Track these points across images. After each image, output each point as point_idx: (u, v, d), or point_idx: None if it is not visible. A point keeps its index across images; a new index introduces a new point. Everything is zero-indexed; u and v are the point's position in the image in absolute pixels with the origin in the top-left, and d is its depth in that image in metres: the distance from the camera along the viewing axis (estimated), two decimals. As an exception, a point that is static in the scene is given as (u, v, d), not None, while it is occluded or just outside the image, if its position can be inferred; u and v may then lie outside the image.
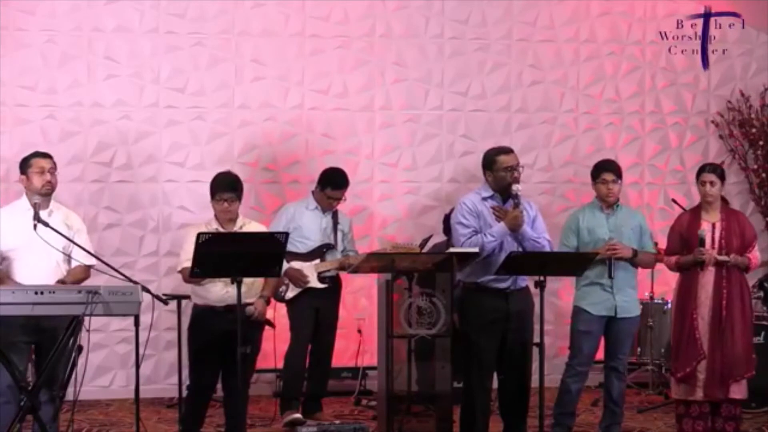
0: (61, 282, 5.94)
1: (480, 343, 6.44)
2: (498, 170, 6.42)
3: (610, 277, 6.71)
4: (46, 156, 6.18)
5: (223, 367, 6.48)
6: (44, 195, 6.05)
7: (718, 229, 6.75)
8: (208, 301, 6.46)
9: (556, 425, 6.87)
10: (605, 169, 6.85)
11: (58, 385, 5.70)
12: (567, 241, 6.86)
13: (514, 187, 6.33)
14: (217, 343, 6.37)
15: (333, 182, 7.62)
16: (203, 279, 6.36)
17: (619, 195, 6.90)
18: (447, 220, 7.68)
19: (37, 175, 6.06)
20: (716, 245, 6.71)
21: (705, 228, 6.70)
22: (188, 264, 6.18)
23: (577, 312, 6.86)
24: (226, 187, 6.55)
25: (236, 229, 6.53)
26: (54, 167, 6.15)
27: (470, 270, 6.46)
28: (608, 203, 6.84)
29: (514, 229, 6.31)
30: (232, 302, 6.20)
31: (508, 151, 6.54)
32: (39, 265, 5.97)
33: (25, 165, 6.14)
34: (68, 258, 6.10)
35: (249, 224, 6.65)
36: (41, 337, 5.89)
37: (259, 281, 6.51)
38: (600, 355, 7.07)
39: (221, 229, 6.48)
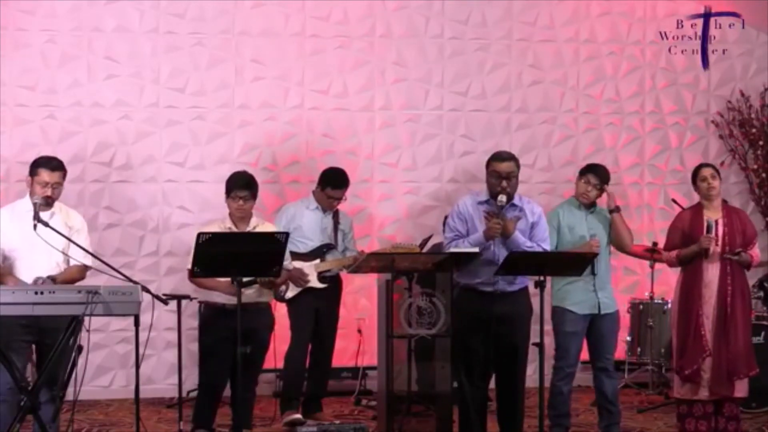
0: (51, 279, 5.88)
1: (466, 343, 6.45)
2: (489, 175, 6.38)
3: (593, 273, 6.71)
4: (56, 169, 6.07)
5: (233, 365, 6.52)
6: (42, 205, 6.02)
7: (721, 225, 6.72)
8: (222, 300, 6.54)
9: (554, 426, 6.87)
10: (591, 171, 6.88)
11: (58, 385, 5.69)
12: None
13: (499, 198, 6.25)
14: (230, 342, 6.41)
15: (333, 182, 7.62)
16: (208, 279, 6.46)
17: (595, 200, 6.91)
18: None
19: (40, 186, 6.02)
20: (720, 242, 6.69)
21: (711, 221, 6.68)
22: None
23: (561, 313, 6.83)
24: (242, 185, 6.65)
25: (249, 228, 6.65)
26: (60, 181, 6.08)
27: (458, 272, 6.48)
28: (585, 204, 6.88)
29: (490, 238, 6.28)
30: (245, 301, 6.26)
31: (504, 158, 6.39)
32: (40, 266, 5.96)
33: (33, 169, 6.08)
34: (68, 259, 6.10)
35: (262, 225, 6.78)
36: (43, 336, 5.89)
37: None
38: (584, 356, 7.05)
39: (234, 228, 6.60)
